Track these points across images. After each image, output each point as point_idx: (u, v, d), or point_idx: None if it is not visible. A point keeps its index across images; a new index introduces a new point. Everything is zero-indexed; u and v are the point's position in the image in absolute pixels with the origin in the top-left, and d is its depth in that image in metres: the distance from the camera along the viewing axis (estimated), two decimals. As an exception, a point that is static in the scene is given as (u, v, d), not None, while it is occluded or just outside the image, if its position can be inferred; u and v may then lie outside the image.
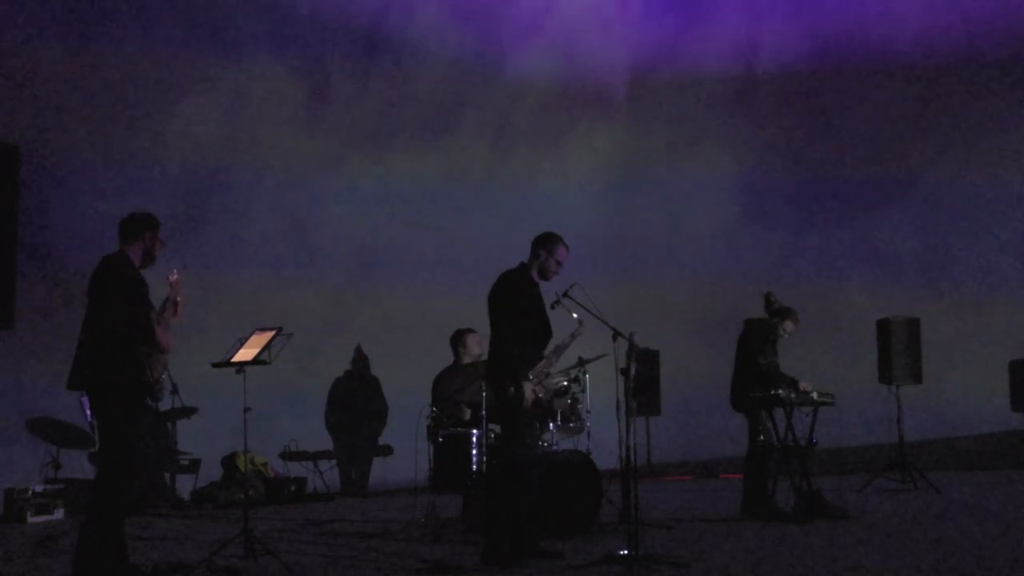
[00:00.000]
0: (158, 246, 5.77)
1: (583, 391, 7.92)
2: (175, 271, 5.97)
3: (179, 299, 5.88)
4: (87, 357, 5.49)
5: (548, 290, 6.51)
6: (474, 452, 7.57)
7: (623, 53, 14.58)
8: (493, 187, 13.17)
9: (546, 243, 6.45)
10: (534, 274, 6.45)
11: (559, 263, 6.44)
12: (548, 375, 6.79)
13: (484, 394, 7.43)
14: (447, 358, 8.55)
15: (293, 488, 10.63)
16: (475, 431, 7.61)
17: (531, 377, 6.24)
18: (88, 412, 5.51)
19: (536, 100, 13.79)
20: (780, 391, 7.99)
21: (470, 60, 13.21)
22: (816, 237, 14.10)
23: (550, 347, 6.54)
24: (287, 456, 11.27)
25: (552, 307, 6.44)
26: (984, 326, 13.41)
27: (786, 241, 14.14)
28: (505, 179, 13.33)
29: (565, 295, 6.44)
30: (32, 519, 8.66)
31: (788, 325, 8.45)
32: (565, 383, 7.74)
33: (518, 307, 6.28)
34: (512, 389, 6.14)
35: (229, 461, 10.36)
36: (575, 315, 6.53)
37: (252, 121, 11.70)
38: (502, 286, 6.37)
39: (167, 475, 10.32)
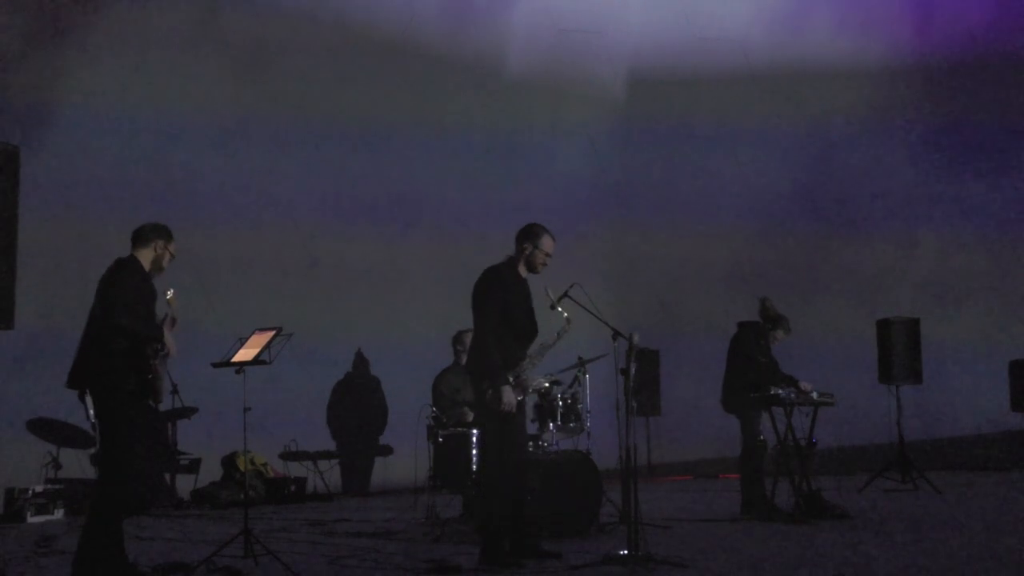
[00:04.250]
0: (167, 256, 5.76)
1: (583, 391, 7.90)
2: (171, 289, 5.83)
3: (176, 316, 5.77)
4: (92, 356, 5.48)
5: (544, 285, 6.37)
6: (474, 452, 7.56)
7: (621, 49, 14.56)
8: (495, 187, 13.15)
9: (530, 235, 6.21)
10: (521, 269, 6.24)
11: (547, 255, 6.21)
12: (526, 376, 6.38)
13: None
14: (447, 358, 8.55)
15: (293, 488, 10.63)
16: (475, 431, 7.61)
17: (511, 379, 6.06)
18: (91, 411, 5.47)
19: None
20: (779, 391, 7.99)
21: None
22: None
23: (535, 346, 6.34)
24: (287, 456, 11.26)
25: (552, 308, 6.37)
26: (984, 326, 13.44)
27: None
28: (508, 177, 13.30)
29: (565, 295, 6.39)
30: (32, 519, 8.66)
31: (780, 333, 8.49)
32: (546, 384, 7.56)
33: (500, 303, 6.07)
34: (489, 392, 6.00)
35: (229, 461, 10.37)
36: (564, 313, 6.32)
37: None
38: (484, 281, 6.16)
39: (167, 475, 10.32)
